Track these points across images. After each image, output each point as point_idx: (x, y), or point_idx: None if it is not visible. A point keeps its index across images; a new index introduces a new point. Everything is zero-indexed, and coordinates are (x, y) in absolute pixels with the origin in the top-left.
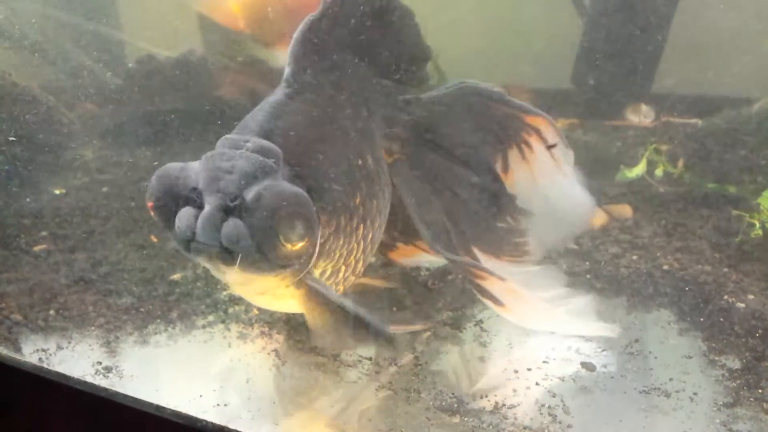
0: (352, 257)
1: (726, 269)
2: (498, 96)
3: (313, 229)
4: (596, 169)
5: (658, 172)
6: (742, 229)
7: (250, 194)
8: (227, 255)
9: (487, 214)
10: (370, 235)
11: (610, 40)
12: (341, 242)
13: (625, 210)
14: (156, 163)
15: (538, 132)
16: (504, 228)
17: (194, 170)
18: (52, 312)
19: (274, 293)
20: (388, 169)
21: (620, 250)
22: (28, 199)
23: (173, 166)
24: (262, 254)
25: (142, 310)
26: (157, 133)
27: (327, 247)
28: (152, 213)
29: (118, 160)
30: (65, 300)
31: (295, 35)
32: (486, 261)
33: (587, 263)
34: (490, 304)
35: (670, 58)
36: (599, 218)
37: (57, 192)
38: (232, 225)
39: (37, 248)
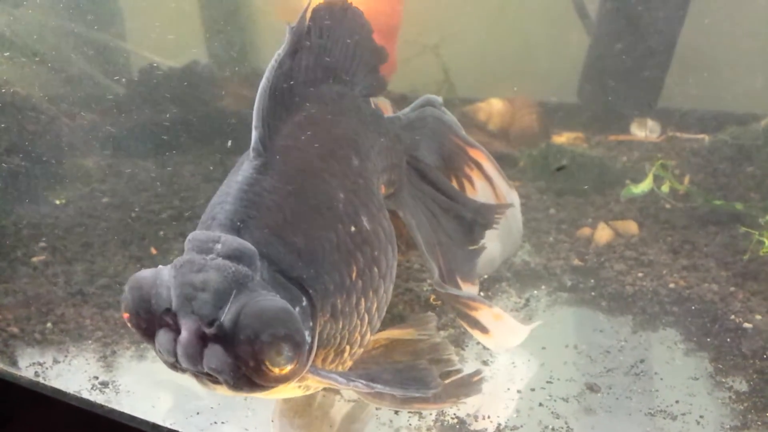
0: (357, 334)
1: (733, 288)
2: (450, 123)
3: (303, 348)
4: (601, 184)
5: (665, 188)
6: (750, 247)
7: (227, 317)
8: (213, 377)
9: (464, 239)
10: (375, 306)
11: (616, 55)
12: (340, 325)
13: (631, 226)
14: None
15: (479, 166)
16: (476, 250)
17: (166, 283)
18: (49, 325)
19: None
20: (393, 201)
21: (626, 268)
22: (27, 209)
23: (145, 278)
24: (250, 380)
25: None
26: (159, 143)
27: (324, 335)
28: (128, 325)
29: (120, 170)
30: (62, 313)
31: (260, 85)
32: (465, 288)
33: (592, 280)
34: (478, 334)
35: (677, 73)
36: (604, 234)
37: (57, 202)
38: (212, 354)
39: (35, 259)
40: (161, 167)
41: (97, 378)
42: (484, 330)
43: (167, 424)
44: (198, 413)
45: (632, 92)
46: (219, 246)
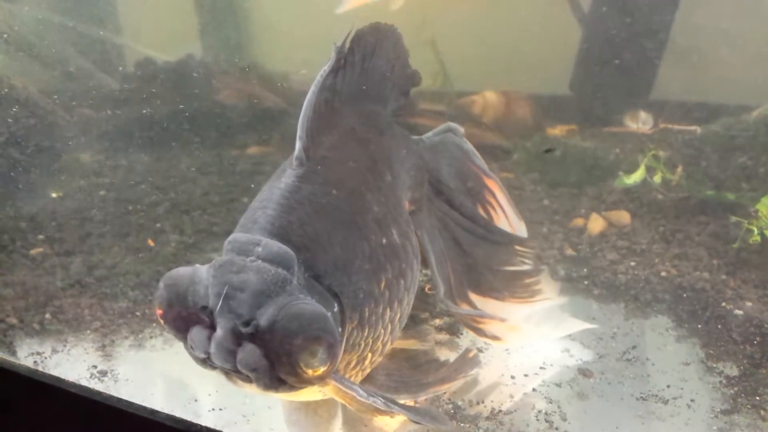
0: (379, 342)
1: (724, 276)
2: (468, 151)
3: (336, 352)
4: (594, 175)
5: (657, 178)
6: (741, 236)
7: (264, 317)
8: (244, 376)
9: (495, 260)
10: (398, 316)
11: (608, 47)
12: (366, 333)
13: (623, 216)
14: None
15: (493, 195)
16: (510, 271)
17: (203, 282)
18: (47, 315)
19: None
20: (412, 219)
21: (618, 257)
22: (25, 203)
23: (181, 276)
24: (281, 380)
25: (137, 314)
26: (155, 137)
27: (351, 341)
28: (161, 321)
29: (116, 163)
30: (61, 303)
31: (306, 99)
32: (487, 303)
33: (585, 269)
34: (488, 341)
35: (669, 64)
36: (597, 224)
37: (54, 195)
38: (247, 352)
39: (33, 251)
40: (157, 160)
41: (95, 367)
42: (494, 338)
43: (166, 411)
44: (196, 400)
45: (625, 84)
46: (259, 249)
